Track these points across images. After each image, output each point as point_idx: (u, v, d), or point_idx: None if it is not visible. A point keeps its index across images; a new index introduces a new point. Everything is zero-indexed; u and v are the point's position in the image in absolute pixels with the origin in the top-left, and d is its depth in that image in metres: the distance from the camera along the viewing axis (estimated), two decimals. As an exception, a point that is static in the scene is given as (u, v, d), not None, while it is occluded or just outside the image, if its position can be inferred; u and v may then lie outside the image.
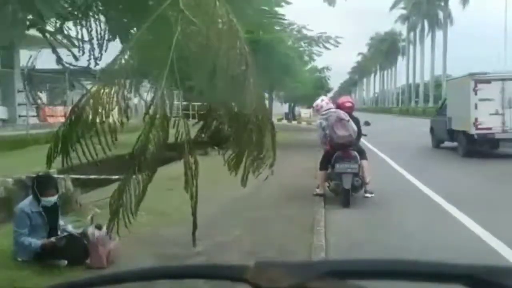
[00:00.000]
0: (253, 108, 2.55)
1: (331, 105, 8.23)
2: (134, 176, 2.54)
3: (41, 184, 4.79)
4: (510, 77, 12.90)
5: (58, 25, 3.51)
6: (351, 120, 7.89)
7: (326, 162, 7.92)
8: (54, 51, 3.91)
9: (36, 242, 4.60)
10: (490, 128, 12.57)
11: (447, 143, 14.89)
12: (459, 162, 12.72)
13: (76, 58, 3.84)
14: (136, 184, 2.54)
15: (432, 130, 16.27)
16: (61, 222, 4.95)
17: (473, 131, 12.60)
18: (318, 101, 8.57)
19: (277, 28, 15.33)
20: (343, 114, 7.91)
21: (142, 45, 2.59)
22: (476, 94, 12.72)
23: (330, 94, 38.53)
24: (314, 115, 46.21)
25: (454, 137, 13.68)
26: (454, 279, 0.56)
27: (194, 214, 2.64)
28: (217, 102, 2.58)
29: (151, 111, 2.49)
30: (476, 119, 12.61)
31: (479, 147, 12.98)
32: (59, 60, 3.91)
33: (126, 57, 2.57)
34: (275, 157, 2.90)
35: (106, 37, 3.48)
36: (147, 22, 2.43)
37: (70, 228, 4.99)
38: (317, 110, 8.64)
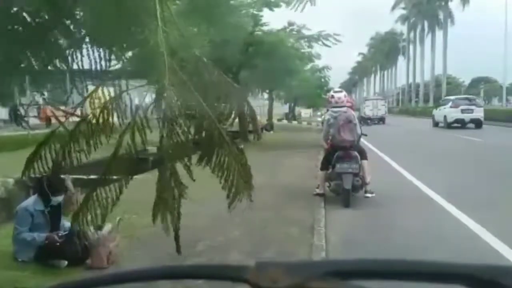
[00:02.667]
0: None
1: (345, 104, 8.00)
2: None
3: (53, 185, 4.82)
4: (375, 98, 42.89)
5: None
6: (358, 123, 7.86)
7: (327, 162, 7.91)
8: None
9: (40, 235, 4.64)
10: (369, 115, 37.65)
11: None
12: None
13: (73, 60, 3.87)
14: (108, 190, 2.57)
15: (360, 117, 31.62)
16: (66, 223, 4.97)
17: (363, 115, 36.43)
18: (340, 94, 8.13)
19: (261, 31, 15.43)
20: (353, 115, 7.86)
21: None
22: (364, 103, 40.38)
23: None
24: (313, 115, 46.26)
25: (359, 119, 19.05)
26: (454, 279, 0.56)
27: (176, 231, 2.69)
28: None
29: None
30: (364, 112, 38.06)
31: (366, 122, 33.45)
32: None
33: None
34: (251, 187, 2.93)
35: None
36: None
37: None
38: (329, 102, 8.22)
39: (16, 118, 17.29)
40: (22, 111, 17.68)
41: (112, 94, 2.60)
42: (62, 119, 3.20)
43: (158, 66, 2.46)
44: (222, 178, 2.79)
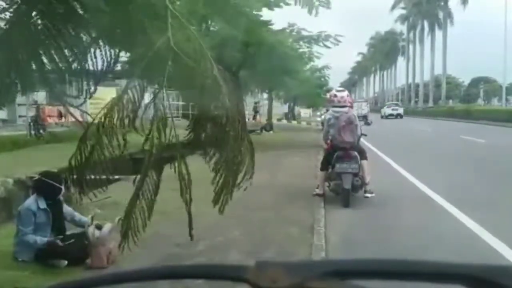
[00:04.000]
0: (227, 117, 2.65)
1: (347, 104, 7.95)
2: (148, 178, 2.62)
3: (52, 183, 4.85)
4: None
5: None
6: (359, 124, 7.84)
7: (327, 163, 7.90)
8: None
9: (42, 239, 4.66)
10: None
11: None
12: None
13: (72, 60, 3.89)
14: (150, 186, 2.63)
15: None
16: (82, 218, 5.03)
17: None
18: (343, 94, 8.09)
19: (267, 30, 15.43)
20: (354, 116, 7.84)
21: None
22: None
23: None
24: (313, 115, 46.38)
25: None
26: (454, 279, 0.56)
27: (189, 215, 2.74)
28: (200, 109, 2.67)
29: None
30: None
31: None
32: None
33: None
34: (253, 170, 2.97)
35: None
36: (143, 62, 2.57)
37: (78, 217, 5.07)
38: (331, 101, 8.13)
39: (36, 128, 16.74)
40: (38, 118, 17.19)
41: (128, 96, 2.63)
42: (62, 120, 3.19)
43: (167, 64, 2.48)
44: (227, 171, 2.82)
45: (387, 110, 52.74)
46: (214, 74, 2.59)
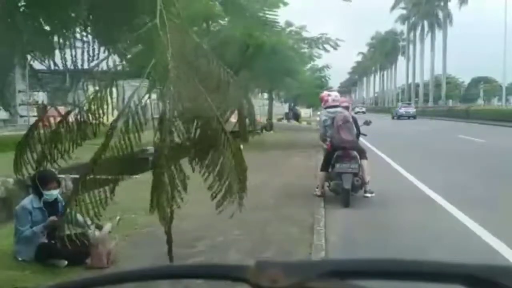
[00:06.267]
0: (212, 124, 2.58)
1: (341, 103, 8.15)
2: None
3: (42, 178, 4.83)
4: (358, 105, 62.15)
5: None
6: (353, 123, 7.89)
7: (327, 163, 7.90)
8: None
9: (38, 227, 4.68)
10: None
11: None
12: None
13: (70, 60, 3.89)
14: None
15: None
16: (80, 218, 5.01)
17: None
18: (336, 93, 8.44)
19: (269, 30, 15.42)
20: (348, 115, 7.88)
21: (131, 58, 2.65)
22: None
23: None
24: (313, 114, 46.36)
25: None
26: (454, 279, 0.56)
27: (168, 232, 2.66)
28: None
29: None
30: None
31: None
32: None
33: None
34: (245, 188, 2.85)
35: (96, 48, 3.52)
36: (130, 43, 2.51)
37: (78, 217, 5.04)
38: (325, 101, 8.27)
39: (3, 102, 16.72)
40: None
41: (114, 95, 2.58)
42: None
43: (160, 61, 2.43)
44: (213, 176, 2.73)
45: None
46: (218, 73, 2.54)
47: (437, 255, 4.79)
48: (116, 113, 2.69)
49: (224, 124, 2.71)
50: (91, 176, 2.50)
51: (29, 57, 4.13)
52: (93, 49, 3.39)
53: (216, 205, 2.76)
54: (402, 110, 48.38)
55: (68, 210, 2.51)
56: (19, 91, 18.55)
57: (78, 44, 3.67)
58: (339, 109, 7.92)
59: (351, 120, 7.82)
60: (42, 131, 2.54)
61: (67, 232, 4.91)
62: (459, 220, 6.46)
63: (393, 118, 47.06)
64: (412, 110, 48.71)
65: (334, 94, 8.31)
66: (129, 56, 3.60)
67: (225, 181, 2.74)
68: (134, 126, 2.47)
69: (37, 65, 4.45)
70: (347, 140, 7.65)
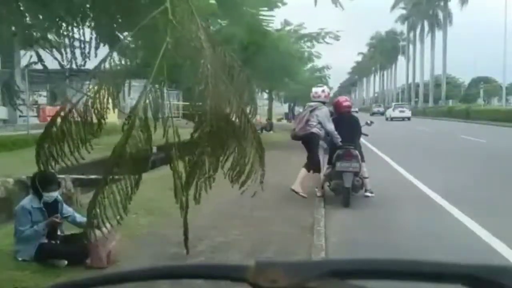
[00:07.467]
0: (232, 112, 2.54)
1: (322, 98, 8.13)
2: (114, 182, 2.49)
3: (43, 180, 4.83)
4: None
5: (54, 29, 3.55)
6: (319, 121, 7.84)
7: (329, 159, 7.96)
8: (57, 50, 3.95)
9: (39, 225, 4.68)
10: None
11: None
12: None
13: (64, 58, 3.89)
14: (116, 189, 2.49)
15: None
16: (82, 218, 5.01)
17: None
18: (318, 89, 8.32)
19: (269, 28, 15.42)
20: (316, 114, 7.88)
21: (133, 48, 2.61)
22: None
23: (330, 94, 39.37)
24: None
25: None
26: (454, 279, 0.56)
27: (185, 224, 2.64)
28: (202, 104, 2.52)
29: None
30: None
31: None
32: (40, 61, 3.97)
33: (117, 60, 2.57)
34: (264, 171, 2.85)
35: (96, 42, 3.52)
36: (135, 29, 2.46)
37: (78, 217, 5.05)
38: (318, 97, 8.21)
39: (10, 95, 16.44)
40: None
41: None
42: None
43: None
44: (235, 158, 2.71)
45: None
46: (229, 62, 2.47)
47: (437, 255, 4.79)
48: (121, 110, 2.67)
49: (244, 107, 2.69)
50: (114, 175, 2.45)
51: (28, 57, 4.14)
52: (96, 40, 3.39)
53: (240, 184, 2.74)
54: (396, 112, 45.83)
55: (92, 213, 2.47)
56: (19, 91, 18.53)
57: (77, 40, 3.68)
58: (314, 104, 8.02)
59: (312, 118, 7.86)
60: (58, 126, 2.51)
61: (67, 232, 4.96)
62: (459, 221, 6.46)
63: (386, 120, 45.20)
64: (406, 112, 45.78)
65: (314, 90, 8.30)
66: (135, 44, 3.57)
67: (248, 160, 2.74)
68: (148, 123, 2.44)
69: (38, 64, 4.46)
70: (298, 134, 8.03)
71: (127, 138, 2.36)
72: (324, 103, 8.12)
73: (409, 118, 44.22)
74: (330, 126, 7.78)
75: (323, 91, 8.24)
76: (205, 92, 2.34)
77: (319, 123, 7.84)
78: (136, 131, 2.38)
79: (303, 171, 8.01)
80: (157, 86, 2.53)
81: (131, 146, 2.37)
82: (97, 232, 4.61)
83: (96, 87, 2.48)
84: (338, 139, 7.70)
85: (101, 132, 2.54)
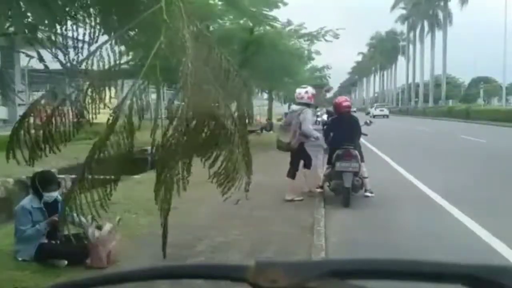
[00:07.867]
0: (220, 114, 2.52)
1: (306, 100, 7.81)
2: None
3: (43, 180, 4.83)
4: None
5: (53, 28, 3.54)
6: (300, 126, 7.60)
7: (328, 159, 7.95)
8: (56, 49, 3.95)
9: (41, 224, 4.68)
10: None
11: None
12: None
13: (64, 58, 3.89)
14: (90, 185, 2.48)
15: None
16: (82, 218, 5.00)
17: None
18: (301, 90, 7.95)
19: (270, 27, 15.42)
20: (300, 119, 7.63)
21: (129, 45, 2.61)
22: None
23: (330, 94, 39.23)
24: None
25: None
26: (454, 279, 0.56)
27: (164, 227, 2.62)
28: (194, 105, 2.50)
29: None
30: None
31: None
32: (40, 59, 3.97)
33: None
34: (250, 178, 2.82)
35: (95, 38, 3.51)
36: (129, 25, 2.46)
37: (78, 217, 5.04)
38: (301, 98, 7.90)
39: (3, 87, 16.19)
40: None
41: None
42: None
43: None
44: (222, 162, 2.68)
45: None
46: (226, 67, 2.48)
47: (437, 255, 4.78)
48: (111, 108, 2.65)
49: (231, 111, 2.66)
50: (89, 176, 2.44)
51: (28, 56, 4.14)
52: (94, 32, 3.37)
53: (222, 191, 2.71)
54: (378, 111, 56.16)
55: (67, 210, 2.46)
56: (19, 91, 18.52)
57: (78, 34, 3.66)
58: (296, 107, 7.88)
59: (292, 123, 7.64)
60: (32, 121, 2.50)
61: (67, 232, 4.95)
62: (459, 221, 6.46)
63: (370, 117, 50.06)
64: (385, 111, 56.92)
65: (298, 92, 7.97)
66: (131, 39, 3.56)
67: (233, 166, 2.70)
68: (131, 124, 2.42)
69: (36, 63, 4.45)
70: (283, 141, 7.73)
71: (108, 134, 2.35)
72: (308, 105, 7.83)
73: (387, 116, 53.95)
74: (307, 126, 7.60)
75: (306, 92, 7.85)
76: (184, 90, 2.33)
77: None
78: (119, 128, 2.37)
79: (289, 181, 7.80)
80: (143, 84, 2.52)
81: (113, 144, 2.36)
82: (97, 232, 4.63)
83: (84, 86, 2.47)
84: (315, 135, 7.69)
85: (79, 131, 2.53)
